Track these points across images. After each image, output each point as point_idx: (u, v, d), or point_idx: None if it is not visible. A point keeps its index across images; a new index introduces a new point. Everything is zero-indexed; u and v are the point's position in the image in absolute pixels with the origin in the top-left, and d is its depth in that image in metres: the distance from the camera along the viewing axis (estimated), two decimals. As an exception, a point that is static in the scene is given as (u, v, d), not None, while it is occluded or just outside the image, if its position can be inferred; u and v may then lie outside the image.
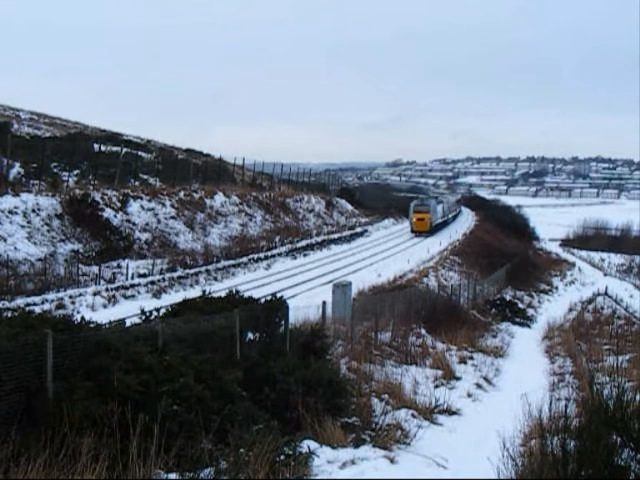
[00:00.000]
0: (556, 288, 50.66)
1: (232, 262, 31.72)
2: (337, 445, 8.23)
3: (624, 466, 4.88)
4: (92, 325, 8.63)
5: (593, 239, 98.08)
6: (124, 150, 34.53)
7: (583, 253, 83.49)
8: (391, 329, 18.56)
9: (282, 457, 7.07)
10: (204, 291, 12.96)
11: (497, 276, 41.43)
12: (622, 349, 19.77)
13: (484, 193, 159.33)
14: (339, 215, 50.11)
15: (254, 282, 28.77)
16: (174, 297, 21.66)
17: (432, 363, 15.90)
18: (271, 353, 10.49)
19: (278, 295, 17.87)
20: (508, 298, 36.17)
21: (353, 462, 7.71)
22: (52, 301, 20.59)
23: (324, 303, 16.14)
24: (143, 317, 10.71)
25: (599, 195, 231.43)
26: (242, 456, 6.76)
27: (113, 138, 42.87)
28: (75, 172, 29.35)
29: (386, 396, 11.46)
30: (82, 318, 8.75)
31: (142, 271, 26.10)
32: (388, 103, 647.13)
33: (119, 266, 25.56)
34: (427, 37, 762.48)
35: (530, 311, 35.48)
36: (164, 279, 26.40)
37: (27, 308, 17.05)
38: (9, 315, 9.20)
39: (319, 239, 40.70)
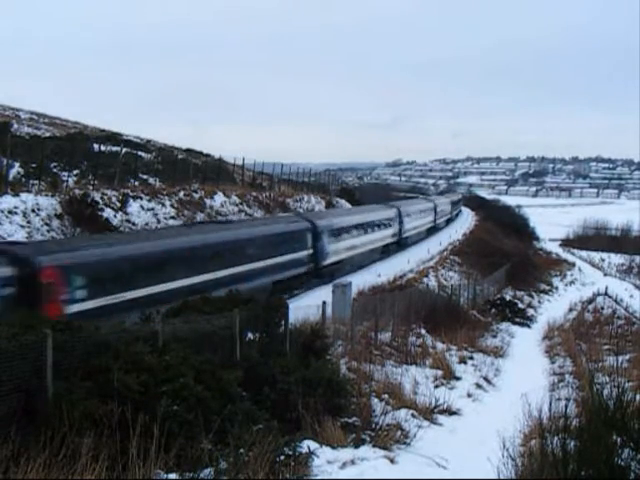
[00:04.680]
0: (556, 288, 50.65)
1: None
2: (337, 445, 8.23)
3: (624, 466, 4.88)
4: (92, 325, 8.62)
5: (593, 239, 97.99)
6: (124, 150, 34.48)
7: (583, 253, 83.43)
8: (391, 329, 18.57)
9: (282, 457, 7.07)
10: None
11: (497, 276, 41.41)
12: (622, 349, 19.78)
13: (484, 193, 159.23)
14: (339, 215, 50.06)
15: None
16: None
17: (432, 363, 15.90)
18: (271, 353, 10.48)
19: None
20: (508, 298, 36.16)
21: (353, 462, 7.71)
22: (52, 301, 20.51)
23: (324, 303, 16.12)
24: (143, 317, 10.71)
25: (599, 195, 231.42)
26: (242, 456, 6.76)
27: (113, 138, 42.74)
28: (75, 172, 29.29)
29: (386, 396, 11.46)
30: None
31: (142, 271, 26.02)
32: (388, 103, 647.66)
33: (119, 266, 25.48)
34: (427, 36, 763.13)
35: (530, 311, 35.47)
36: (164, 279, 26.30)
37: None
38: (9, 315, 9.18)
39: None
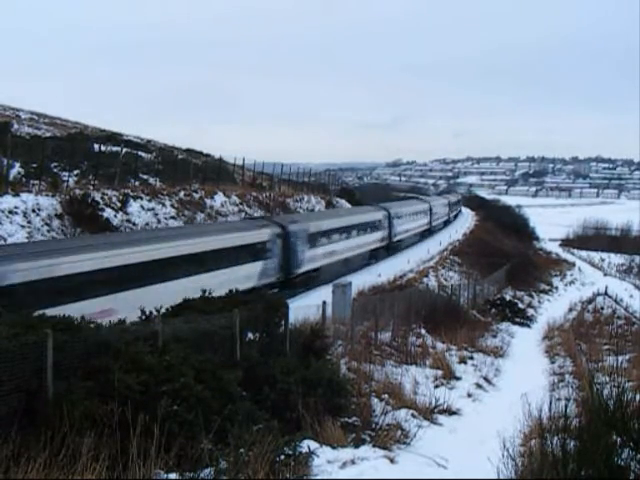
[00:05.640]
0: (556, 288, 50.66)
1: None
2: (337, 445, 8.23)
3: (624, 466, 4.88)
4: (92, 325, 8.63)
5: (593, 239, 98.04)
6: (124, 150, 34.50)
7: (583, 253, 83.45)
8: (391, 329, 18.57)
9: (282, 457, 7.07)
10: (204, 291, 12.95)
11: (497, 276, 41.43)
12: (622, 349, 19.79)
13: (484, 193, 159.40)
14: (339, 215, 49.75)
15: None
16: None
17: (432, 363, 15.90)
18: (271, 353, 10.49)
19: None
20: (508, 298, 36.18)
21: (353, 462, 7.71)
22: (52, 301, 20.45)
23: (324, 303, 16.14)
24: (143, 317, 10.71)
25: (599, 195, 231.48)
26: (242, 456, 6.76)
27: (113, 138, 42.77)
28: (75, 172, 29.30)
29: (386, 396, 11.46)
30: (82, 318, 8.75)
31: (142, 271, 26.01)
32: (388, 103, 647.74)
33: (119, 266, 25.47)
34: (427, 37, 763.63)
35: (530, 311, 35.49)
36: (164, 279, 26.28)
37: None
38: (9, 315, 9.18)
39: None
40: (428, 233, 58.20)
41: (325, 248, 31.65)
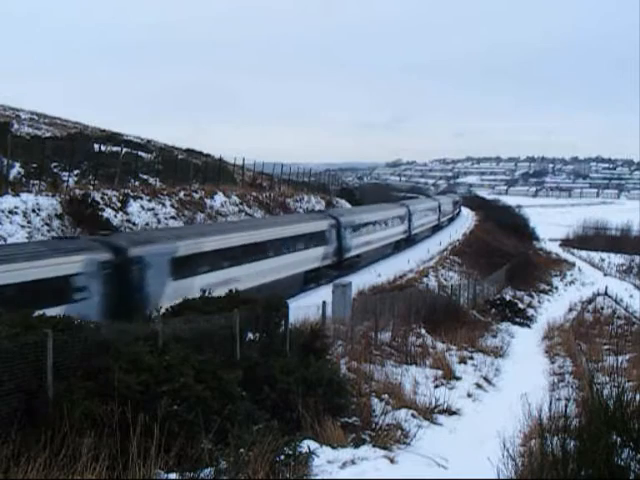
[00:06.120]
0: (556, 288, 50.66)
1: (232, 262, 31.52)
2: (337, 445, 8.23)
3: (624, 466, 4.88)
4: (92, 325, 8.63)
5: (593, 239, 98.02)
6: (124, 150, 34.46)
7: (583, 253, 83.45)
8: (391, 329, 18.57)
9: (282, 457, 7.08)
10: (204, 291, 12.96)
11: (497, 276, 41.42)
12: (622, 349, 19.79)
13: (484, 193, 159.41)
14: (339, 215, 49.67)
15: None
16: (174, 297, 21.34)
17: (432, 363, 15.91)
18: (271, 353, 10.48)
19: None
20: (508, 298, 36.18)
21: (353, 462, 7.72)
22: (52, 301, 20.44)
23: (324, 303, 16.14)
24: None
25: (599, 195, 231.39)
26: (242, 456, 6.77)
27: (113, 138, 42.77)
28: (75, 172, 29.30)
29: (386, 396, 11.46)
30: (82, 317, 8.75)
31: (142, 271, 25.99)
32: (388, 103, 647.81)
33: (119, 266, 25.45)
34: (427, 37, 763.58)
35: (530, 311, 35.49)
36: (164, 279, 26.27)
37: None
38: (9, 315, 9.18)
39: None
40: (404, 243, 48.46)
41: (209, 277, 21.00)
